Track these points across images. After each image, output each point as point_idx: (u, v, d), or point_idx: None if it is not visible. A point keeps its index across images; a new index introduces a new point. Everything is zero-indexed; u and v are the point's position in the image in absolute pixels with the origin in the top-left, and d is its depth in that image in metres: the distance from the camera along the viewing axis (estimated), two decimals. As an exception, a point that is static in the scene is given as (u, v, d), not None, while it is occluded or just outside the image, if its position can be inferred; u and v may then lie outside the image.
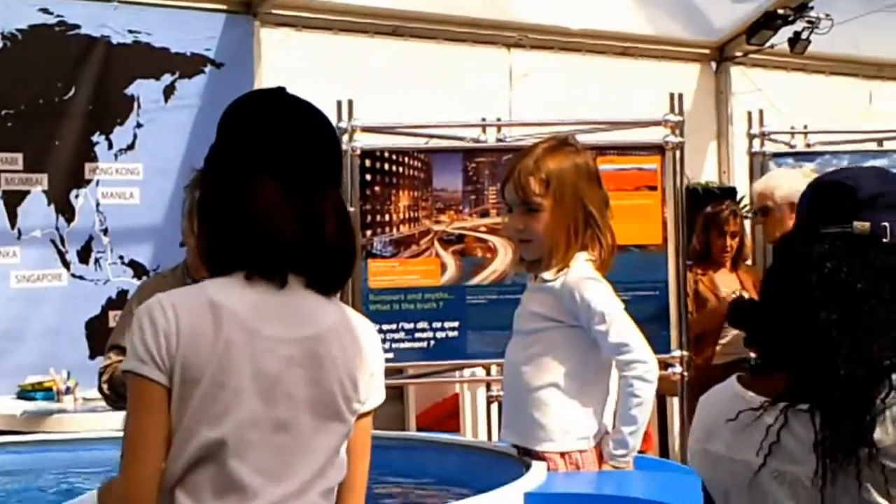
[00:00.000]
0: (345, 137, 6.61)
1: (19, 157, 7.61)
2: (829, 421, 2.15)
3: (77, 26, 7.80)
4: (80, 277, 7.75)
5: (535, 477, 3.77)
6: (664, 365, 6.54)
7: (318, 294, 2.61)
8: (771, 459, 2.20)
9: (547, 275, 4.02)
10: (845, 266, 2.22)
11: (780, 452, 2.20)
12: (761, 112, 8.04)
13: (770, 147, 8.02)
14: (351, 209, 6.35)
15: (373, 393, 2.67)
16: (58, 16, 7.75)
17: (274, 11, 8.54)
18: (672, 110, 6.96)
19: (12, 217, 7.57)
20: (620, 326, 3.98)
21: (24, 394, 6.57)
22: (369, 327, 2.72)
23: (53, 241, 7.69)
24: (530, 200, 4.02)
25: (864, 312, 2.19)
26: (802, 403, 2.18)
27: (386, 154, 6.80)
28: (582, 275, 4.00)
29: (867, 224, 2.28)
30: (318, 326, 2.59)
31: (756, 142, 7.94)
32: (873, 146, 8.63)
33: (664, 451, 8.56)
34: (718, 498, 2.32)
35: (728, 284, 7.40)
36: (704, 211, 7.65)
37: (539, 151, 4.09)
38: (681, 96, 7.03)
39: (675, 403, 7.97)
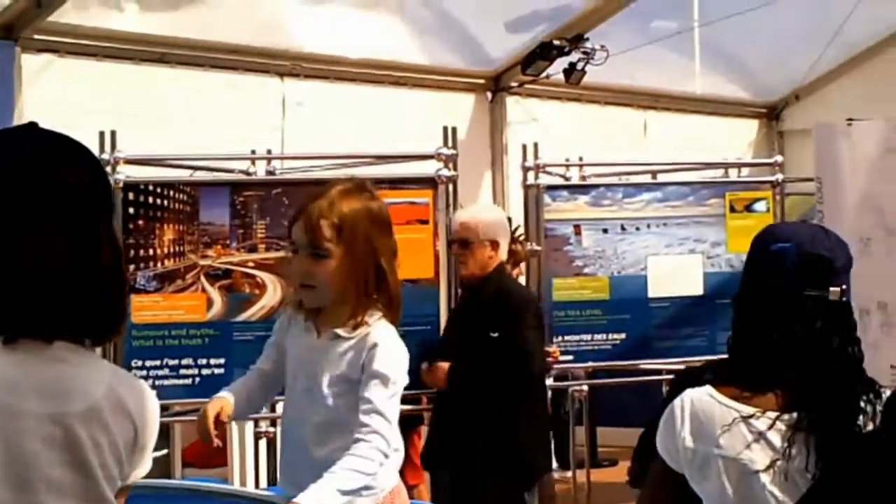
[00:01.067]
0: (108, 170, 6.38)
1: None
2: (821, 428, 2.86)
3: None
4: None
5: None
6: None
7: (88, 352, 2.40)
8: (764, 456, 2.87)
9: (342, 331, 3.84)
10: (824, 326, 2.96)
11: (771, 451, 2.87)
12: (536, 145, 7.98)
13: (545, 179, 7.97)
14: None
15: (138, 467, 2.46)
16: None
17: (36, 37, 8.19)
18: (445, 143, 6.90)
19: None
20: (391, 402, 3.79)
21: None
22: (143, 394, 2.48)
23: None
24: (319, 245, 3.80)
25: (837, 361, 2.96)
26: (791, 413, 2.88)
27: (150, 187, 6.60)
28: (388, 339, 3.85)
29: (838, 290, 3.01)
30: (84, 401, 2.35)
31: (531, 174, 7.88)
32: (648, 178, 8.71)
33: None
34: (708, 490, 2.95)
35: None
36: None
37: (333, 193, 3.86)
38: (454, 129, 6.98)
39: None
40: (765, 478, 2.87)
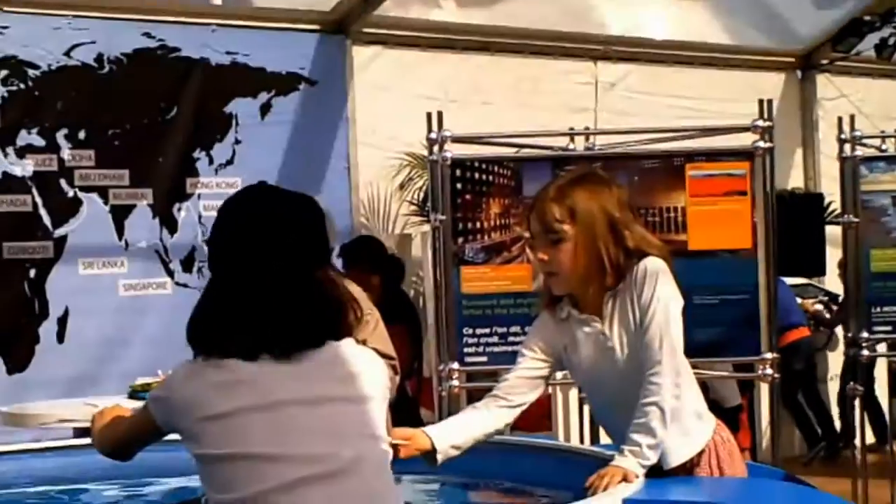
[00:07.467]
0: (435, 148, 6.70)
1: (126, 173, 7.96)
2: None
3: (177, 49, 8.16)
4: (184, 285, 8.08)
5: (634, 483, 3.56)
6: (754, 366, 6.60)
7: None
8: None
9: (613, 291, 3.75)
10: None
11: None
12: (852, 117, 7.87)
13: (861, 152, 7.88)
14: (443, 217, 6.56)
15: None
16: (159, 39, 8.12)
17: (365, 30, 8.80)
18: (761, 116, 6.90)
19: (119, 230, 7.95)
20: (671, 327, 3.67)
21: (135, 394, 6.44)
22: None
23: (158, 252, 8.06)
24: (553, 230, 3.69)
25: None
26: None
27: (476, 164, 6.87)
28: (650, 264, 3.70)
29: None
30: None
31: (847, 147, 7.83)
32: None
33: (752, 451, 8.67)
34: None
35: None
36: None
37: (562, 181, 3.84)
38: (770, 102, 6.92)
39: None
40: None
